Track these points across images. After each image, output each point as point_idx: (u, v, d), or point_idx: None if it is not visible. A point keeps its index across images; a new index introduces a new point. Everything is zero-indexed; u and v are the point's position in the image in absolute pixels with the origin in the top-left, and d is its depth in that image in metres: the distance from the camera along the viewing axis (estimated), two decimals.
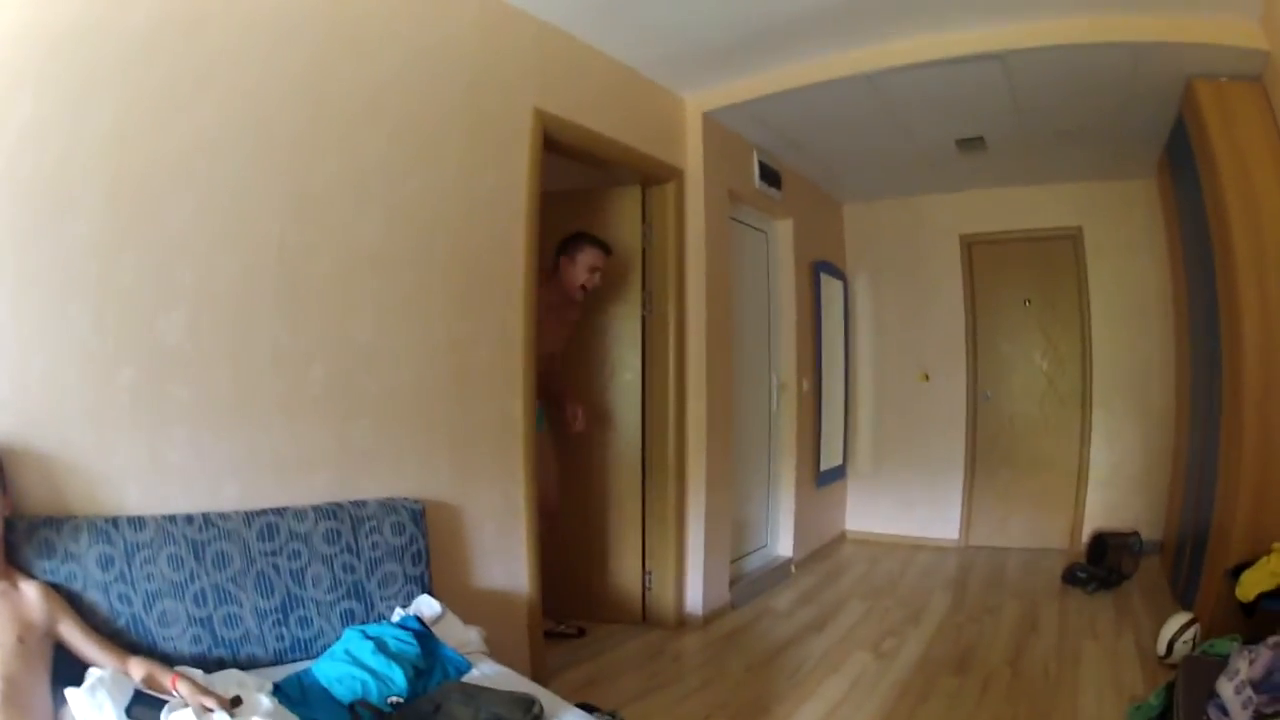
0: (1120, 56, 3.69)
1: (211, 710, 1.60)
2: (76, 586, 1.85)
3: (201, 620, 2.01)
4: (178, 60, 2.16)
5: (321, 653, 2.13)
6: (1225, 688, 2.42)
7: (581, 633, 3.89)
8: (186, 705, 1.60)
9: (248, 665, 2.04)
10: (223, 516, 2.13)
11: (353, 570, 2.32)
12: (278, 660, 2.12)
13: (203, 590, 2.03)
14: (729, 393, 4.51)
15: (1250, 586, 3.19)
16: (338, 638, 2.16)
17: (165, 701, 1.61)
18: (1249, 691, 2.33)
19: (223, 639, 2.04)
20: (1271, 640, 2.50)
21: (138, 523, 1.98)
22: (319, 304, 2.48)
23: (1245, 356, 3.42)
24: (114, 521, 1.94)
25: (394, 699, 1.92)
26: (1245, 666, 2.41)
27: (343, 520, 2.35)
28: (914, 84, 4.00)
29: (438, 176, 2.85)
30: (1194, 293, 4.53)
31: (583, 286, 3.70)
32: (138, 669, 1.71)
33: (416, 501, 2.57)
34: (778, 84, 4.07)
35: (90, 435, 1.98)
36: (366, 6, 2.65)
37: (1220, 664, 2.61)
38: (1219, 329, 3.80)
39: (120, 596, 1.90)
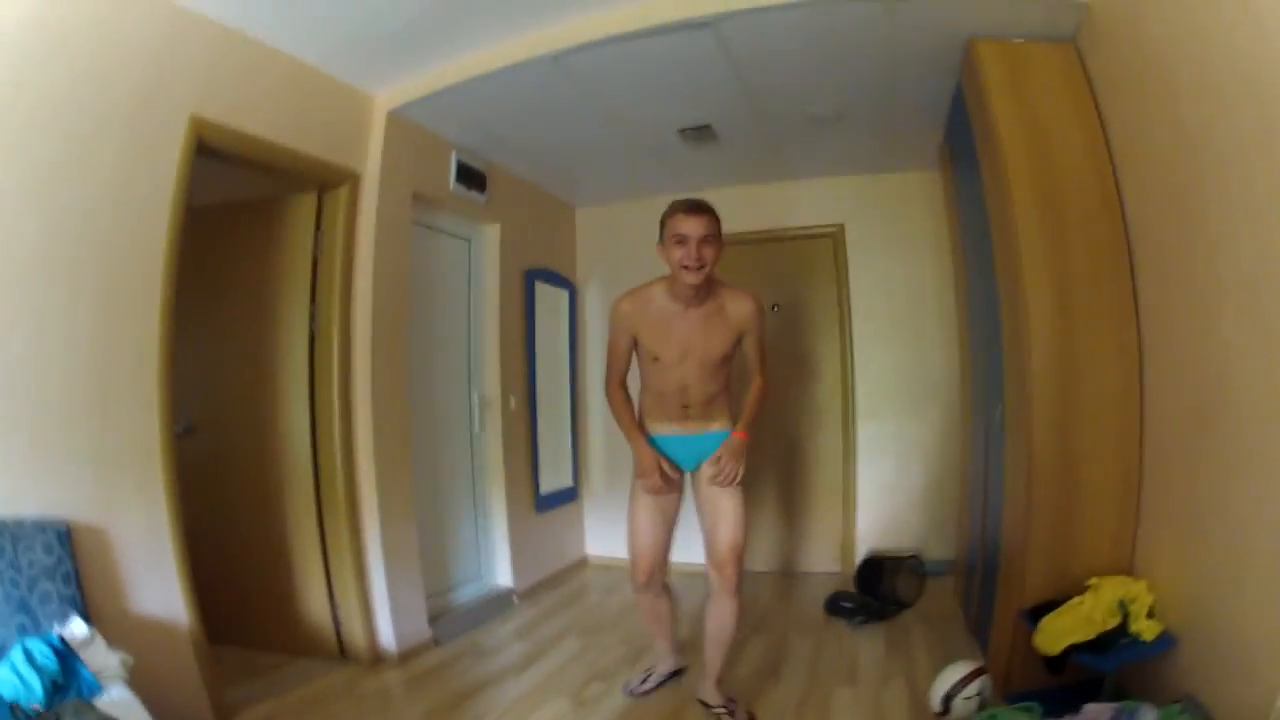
0: (868, 17, 3.68)
1: None
2: None
3: None
4: None
5: None
6: None
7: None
8: None
9: None
10: None
11: (18, 586, 2.75)
12: None
13: None
14: (405, 416, 4.83)
15: (1056, 638, 3.07)
16: None
17: None
18: None
19: None
20: (1084, 717, 2.27)
21: None
22: None
23: (1033, 367, 3.42)
24: None
25: (35, 705, 2.41)
26: None
27: (5, 536, 2.76)
28: (608, 65, 4.22)
29: (93, 188, 3.21)
30: (974, 297, 4.76)
31: (684, 266, 3.39)
32: None
33: (62, 522, 2.96)
34: (459, 74, 4.34)
35: None
36: (43, 17, 3.00)
37: None
38: (1001, 337, 3.88)
39: None
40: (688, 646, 4.33)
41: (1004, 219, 3.65)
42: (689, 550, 4.39)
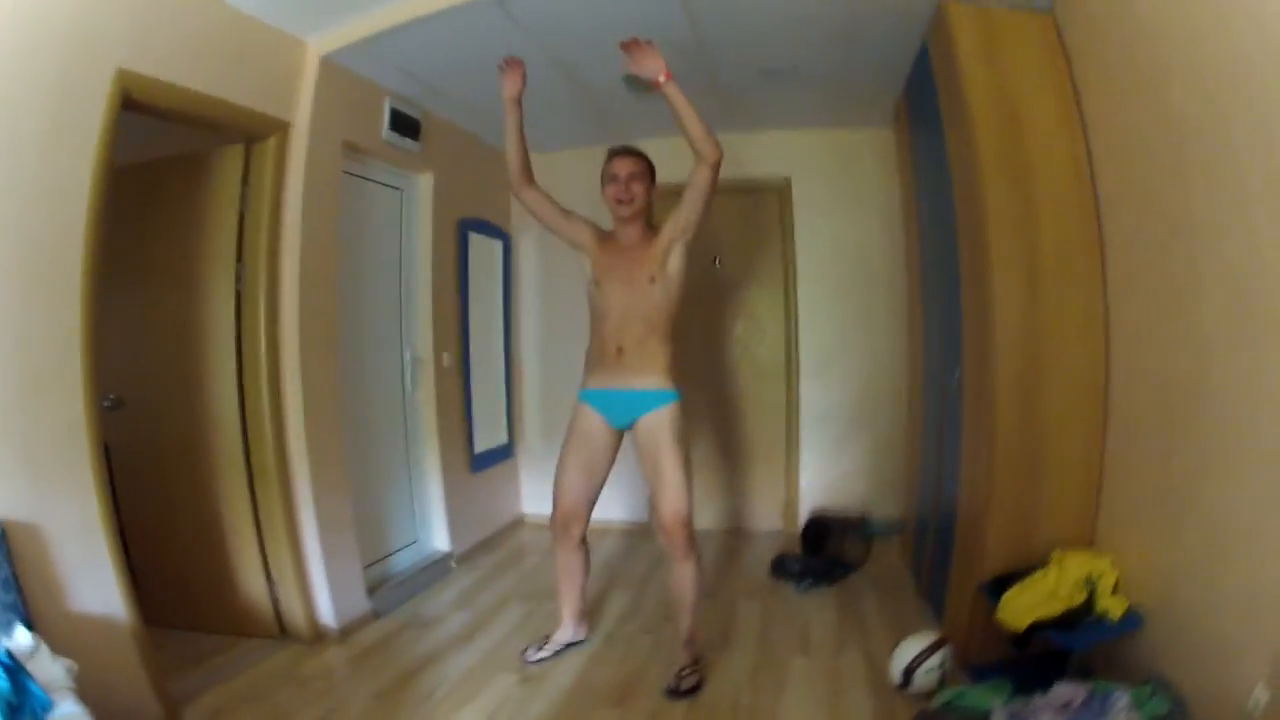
0: None
1: None
2: None
3: None
4: None
5: None
6: None
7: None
8: None
9: None
10: None
11: None
12: None
13: None
14: (335, 379, 4.73)
15: (1021, 613, 3.05)
16: None
17: None
18: None
19: None
20: (1056, 698, 2.22)
21: None
22: None
23: (997, 335, 3.49)
24: None
25: None
26: None
27: None
28: (556, 11, 4.18)
29: (15, 160, 3.04)
30: (927, 258, 4.80)
31: (616, 200, 3.92)
32: None
33: None
34: (398, 16, 4.22)
35: None
36: None
37: None
38: (959, 304, 3.96)
39: None
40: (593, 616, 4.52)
41: (970, 185, 3.69)
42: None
